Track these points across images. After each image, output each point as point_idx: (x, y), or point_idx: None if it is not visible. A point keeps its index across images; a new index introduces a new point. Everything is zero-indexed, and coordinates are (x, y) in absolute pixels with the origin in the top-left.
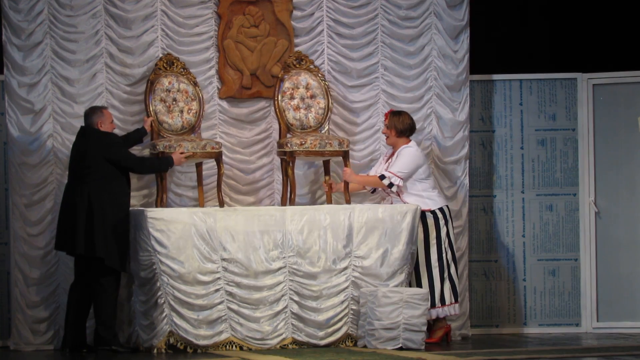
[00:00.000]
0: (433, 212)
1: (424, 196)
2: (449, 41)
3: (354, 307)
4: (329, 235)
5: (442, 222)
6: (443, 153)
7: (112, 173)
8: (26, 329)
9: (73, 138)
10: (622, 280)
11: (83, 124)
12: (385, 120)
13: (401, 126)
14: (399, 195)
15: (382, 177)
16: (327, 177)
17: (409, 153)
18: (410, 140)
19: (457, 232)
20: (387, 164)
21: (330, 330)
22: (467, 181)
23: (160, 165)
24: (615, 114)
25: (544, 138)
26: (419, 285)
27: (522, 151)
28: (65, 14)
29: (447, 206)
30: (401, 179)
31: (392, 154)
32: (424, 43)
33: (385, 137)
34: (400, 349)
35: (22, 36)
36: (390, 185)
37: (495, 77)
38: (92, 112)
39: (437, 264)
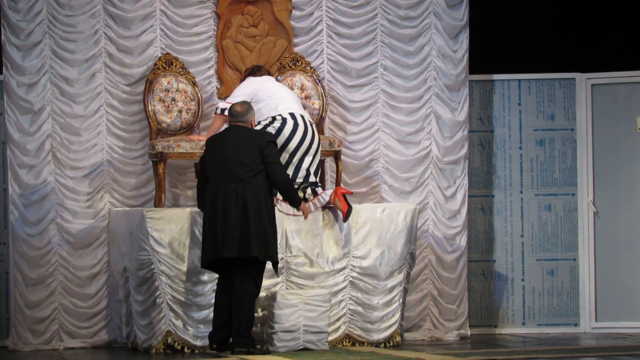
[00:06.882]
0: None
1: None
2: (449, 41)
3: (351, 307)
4: (327, 236)
5: None
6: (442, 153)
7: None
8: (25, 329)
9: (72, 138)
10: (620, 280)
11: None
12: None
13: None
14: None
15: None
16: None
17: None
18: None
19: (456, 232)
20: None
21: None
22: (466, 181)
23: (295, 194)
24: (614, 114)
25: (543, 138)
26: None
27: (521, 151)
28: (64, 14)
29: None
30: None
31: None
32: (424, 43)
33: None
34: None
35: (21, 36)
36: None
37: (495, 77)
38: (247, 111)
39: None
